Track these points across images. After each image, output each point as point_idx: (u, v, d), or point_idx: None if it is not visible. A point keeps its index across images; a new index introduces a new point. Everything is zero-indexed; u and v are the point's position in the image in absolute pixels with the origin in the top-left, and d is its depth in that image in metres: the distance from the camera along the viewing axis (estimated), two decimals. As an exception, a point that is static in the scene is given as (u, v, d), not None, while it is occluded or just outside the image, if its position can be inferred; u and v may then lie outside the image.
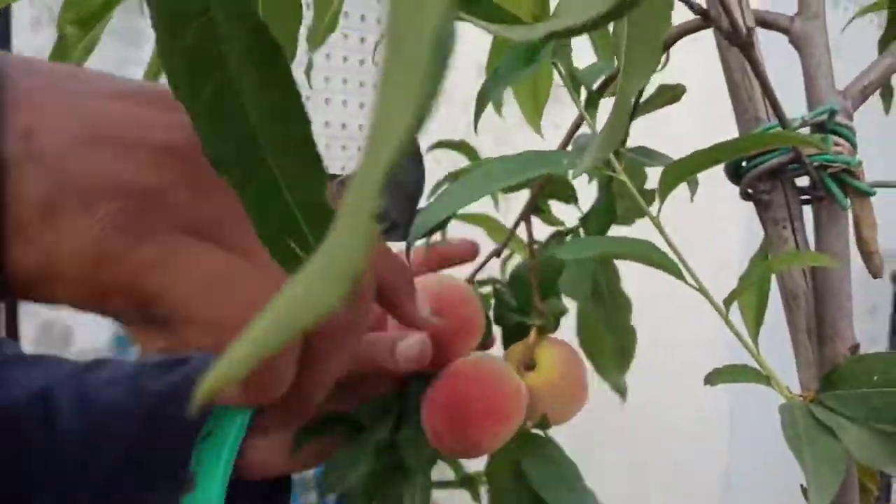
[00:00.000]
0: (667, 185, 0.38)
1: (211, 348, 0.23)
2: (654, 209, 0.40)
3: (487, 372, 0.42)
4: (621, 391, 0.62)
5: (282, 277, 0.21)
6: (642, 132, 0.51)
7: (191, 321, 0.22)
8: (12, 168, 0.20)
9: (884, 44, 0.49)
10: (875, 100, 0.40)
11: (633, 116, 0.49)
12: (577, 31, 0.13)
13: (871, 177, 0.38)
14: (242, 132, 0.18)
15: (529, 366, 0.44)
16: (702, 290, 0.39)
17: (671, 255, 0.39)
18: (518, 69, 0.31)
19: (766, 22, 0.37)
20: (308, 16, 0.42)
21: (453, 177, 0.53)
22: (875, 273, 0.39)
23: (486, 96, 0.32)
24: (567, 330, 0.53)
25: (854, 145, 0.36)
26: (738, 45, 0.32)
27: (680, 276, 0.39)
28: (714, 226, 1.56)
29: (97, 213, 0.21)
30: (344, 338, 0.27)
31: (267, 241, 0.19)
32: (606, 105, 0.49)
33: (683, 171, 0.37)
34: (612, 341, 0.58)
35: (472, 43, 0.48)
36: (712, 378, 0.42)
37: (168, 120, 0.23)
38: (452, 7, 0.10)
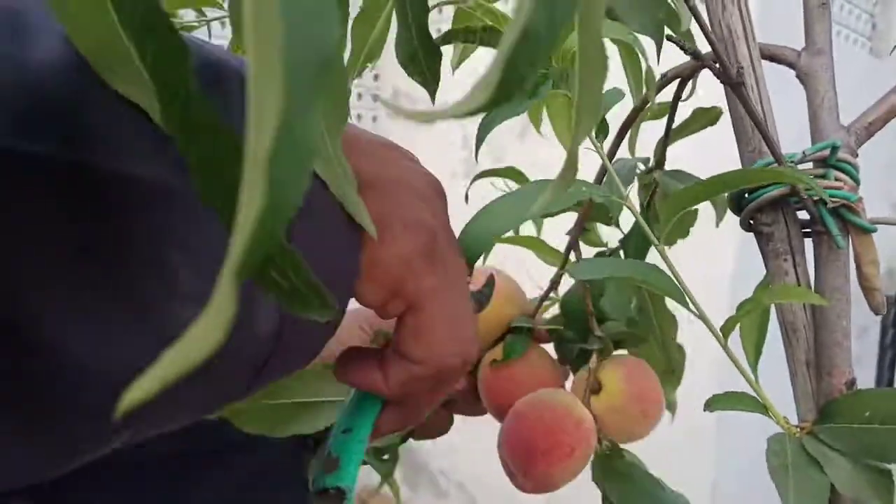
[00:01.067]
0: (670, 212, 0.39)
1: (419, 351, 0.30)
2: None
3: (549, 409, 0.44)
4: (671, 408, 0.63)
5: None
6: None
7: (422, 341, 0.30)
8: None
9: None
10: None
11: (672, 140, 0.50)
12: (472, 114, 0.15)
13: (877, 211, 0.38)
14: (218, 171, 0.20)
15: (595, 389, 0.45)
16: (702, 318, 0.40)
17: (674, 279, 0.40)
18: (514, 105, 0.32)
19: (773, 56, 0.38)
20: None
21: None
22: (876, 310, 0.39)
23: (486, 130, 0.33)
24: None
25: (856, 181, 0.37)
26: (729, 85, 0.33)
27: (683, 301, 0.40)
28: (707, 252, 1.55)
29: (415, 241, 0.28)
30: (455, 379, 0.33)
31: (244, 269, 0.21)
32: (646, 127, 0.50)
33: (686, 200, 0.38)
34: (661, 357, 0.59)
35: (470, 57, 0.50)
36: (711, 404, 0.43)
37: (417, 168, 0.32)
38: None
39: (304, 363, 0.28)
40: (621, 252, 0.53)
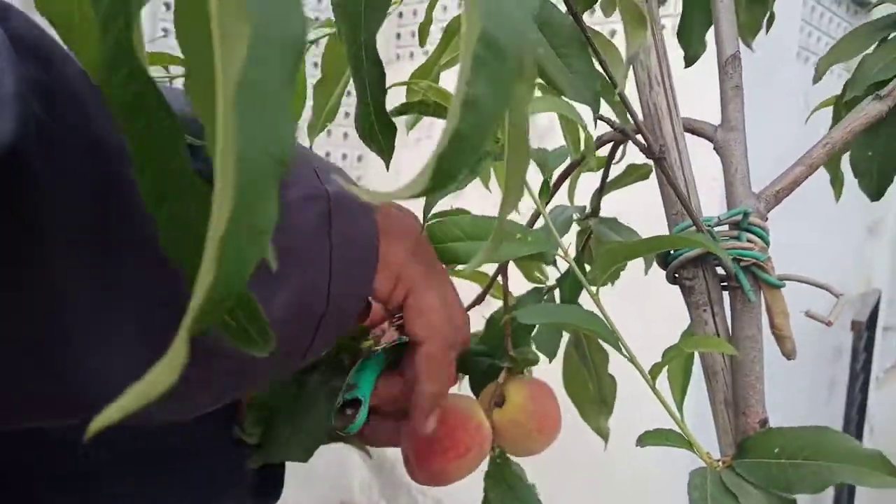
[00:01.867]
0: (604, 267, 0.44)
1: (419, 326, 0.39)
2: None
3: (453, 411, 0.48)
4: (604, 435, 0.68)
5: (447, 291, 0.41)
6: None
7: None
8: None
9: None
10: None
11: (606, 191, 0.55)
12: (416, 197, 0.20)
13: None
14: (193, 240, 0.25)
15: (499, 402, 0.50)
16: (633, 361, 0.44)
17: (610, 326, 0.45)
18: (454, 185, 0.37)
19: (694, 129, 0.43)
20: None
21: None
22: (788, 356, 0.44)
23: (430, 207, 0.38)
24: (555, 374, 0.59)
25: (767, 242, 0.41)
26: (652, 159, 0.38)
27: (617, 346, 0.45)
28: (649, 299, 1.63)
29: (407, 241, 0.38)
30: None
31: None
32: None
33: (618, 256, 0.43)
34: (593, 389, 0.63)
35: (452, 78, 0.54)
36: (643, 440, 0.47)
37: (404, 210, 0.41)
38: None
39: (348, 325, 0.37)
40: (557, 290, 0.58)
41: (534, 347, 0.57)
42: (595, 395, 0.64)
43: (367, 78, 0.37)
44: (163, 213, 0.25)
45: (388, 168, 0.40)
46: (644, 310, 1.35)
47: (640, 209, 0.58)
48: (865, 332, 2.13)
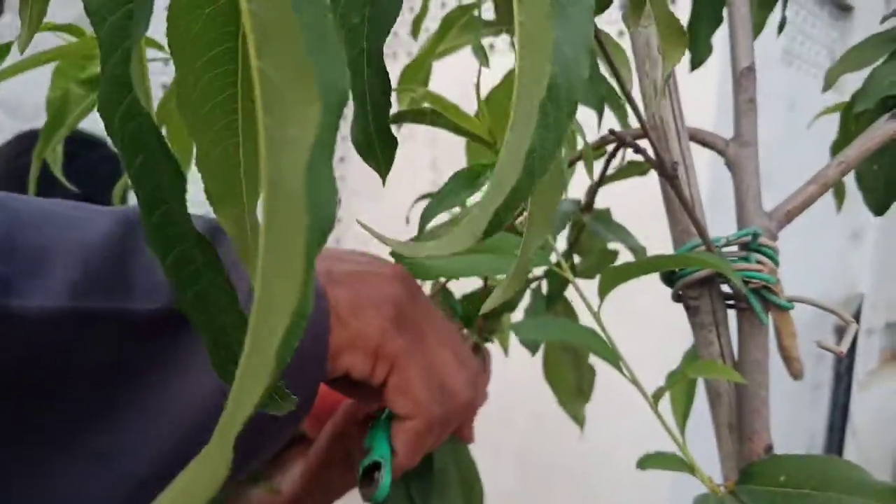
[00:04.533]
0: (605, 287, 0.43)
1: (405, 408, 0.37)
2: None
3: None
4: (580, 422, 0.68)
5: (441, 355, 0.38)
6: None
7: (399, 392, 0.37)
8: (327, 290, 0.34)
9: (836, 148, 0.53)
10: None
11: (603, 184, 0.54)
12: (460, 251, 0.19)
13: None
14: (199, 289, 0.23)
15: None
16: (634, 382, 0.44)
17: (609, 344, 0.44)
18: (460, 192, 0.36)
19: (704, 142, 0.42)
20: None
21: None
22: (795, 376, 0.43)
23: (430, 215, 0.37)
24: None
25: (776, 263, 0.41)
26: (664, 176, 0.37)
27: (617, 366, 0.44)
28: (662, 307, 1.64)
29: (384, 313, 0.35)
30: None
31: (216, 366, 0.25)
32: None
33: (620, 276, 0.42)
34: (573, 378, 0.63)
35: (439, 80, 0.53)
36: (643, 463, 0.46)
37: (382, 262, 0.39)
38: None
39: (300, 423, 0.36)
40: (544, 281, 0.57)
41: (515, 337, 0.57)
42: (574, 385, 0.64)
43: (368, 88, 0.36)
44: (169, 260, 0.24)
45: (384, 183, 0.39)
46: (621, 313, 1.36)
47: (630, 202, 0.57)
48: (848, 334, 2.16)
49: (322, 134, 0.17)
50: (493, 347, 0.57)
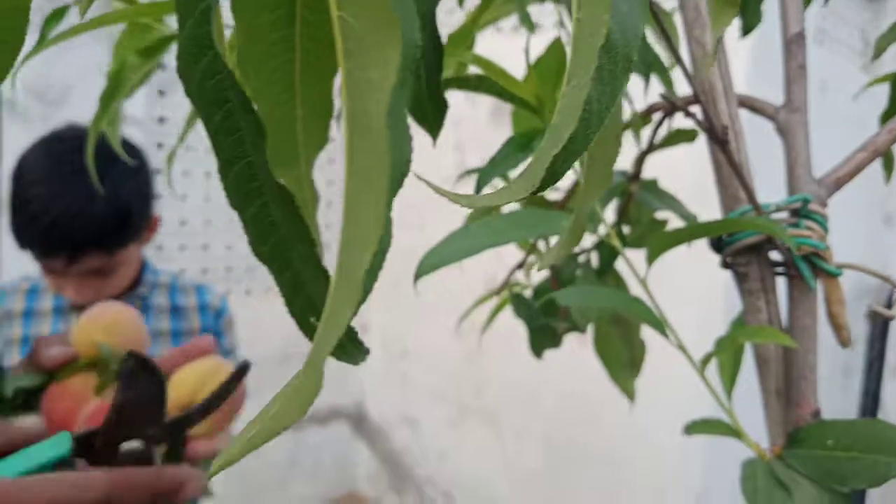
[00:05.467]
0: (655, 252, 0.44)
1: None
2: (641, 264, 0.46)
3: None
4: (630, 395, 0.69)
5: None
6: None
7: None
8: None
9: (885, 118, 0.54)
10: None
11: (650, 152, 0.55)
12: (516, 201, 0.20)
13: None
14: (276, 241, 0.25)
15: None
16: (682, 349, 0.45)
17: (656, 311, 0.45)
18: (513, 157, 0.37)
19: (753, 108, 0.43)
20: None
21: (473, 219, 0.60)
22: (844, 344, 0.44)
23: (486, 180, 0.38)
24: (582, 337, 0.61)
25: (826, 229, 0.41)
26: (715, 141, 0.38)
27: (663, 332, 0.45)
28: (700, 283, 1.65)
29: None
30: None
31: (294, 315, 0.26)
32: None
33: (672, 241, 0.43)
34: (624, 352, 0.64)
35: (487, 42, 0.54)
36: (690, 429, 0.47)
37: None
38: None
39: None
40: (593, 254, 0.58)
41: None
42: (625, 359, 0.64)
43: (423, 52, 0.37)
44: (248, 214, 0.26)
45: (434, 143, 0.40)
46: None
47: (670, 176, 0.58)
48: (880, 321, 2.13)
49: (401, 77, 0.18)
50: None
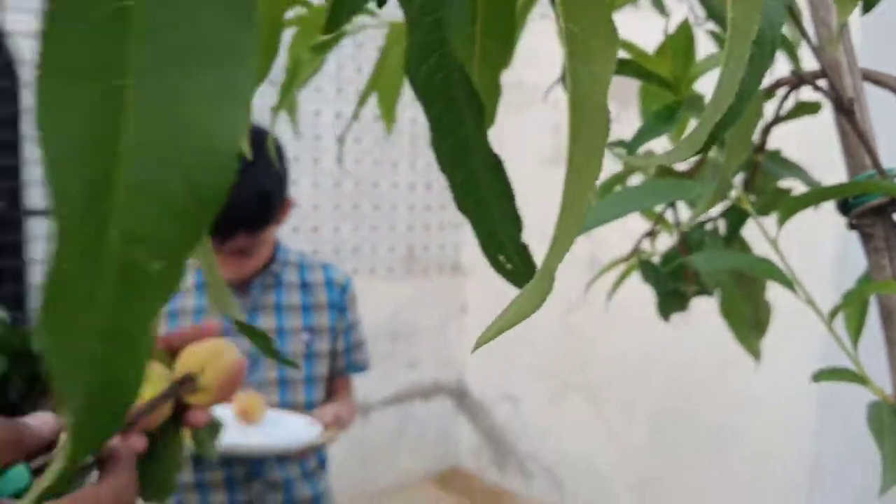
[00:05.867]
0: (785, 214, 0.48)
1: None
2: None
3: None
4: (756, 355, 0.72)
5: None
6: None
7: None
8: None
9: None
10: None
11: (776, 123, 0.59)
12: (680, 161, 0.26)
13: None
14: (478, 197, 0.31)
15: None
16: (810, 303, 0.49)
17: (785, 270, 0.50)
18: (658, 128, 0.42)
19: (877, 81, 0.47)
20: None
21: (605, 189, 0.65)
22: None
23: (636, 145, 0.43)
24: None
25: (949, 191, 0.45)
26: (842, 111, 0.42)
27: (792, 288, 0.50)
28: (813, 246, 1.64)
29: None
30: None
31: (489, 255, 0.33)
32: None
33: (799, 205, 0.47)
34: (750, 314, 0.68)
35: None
36: (818, 376, 0.52)
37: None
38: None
39: None
40: (720, 221, 0.63)
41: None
42: (751, 320, 0.68)
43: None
44: (457, 177, 0.32)
45: (491, 123, 0.45)
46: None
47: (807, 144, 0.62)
48: None
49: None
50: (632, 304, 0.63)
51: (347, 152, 2.72)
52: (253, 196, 1.16)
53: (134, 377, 0.16)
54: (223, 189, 0.13)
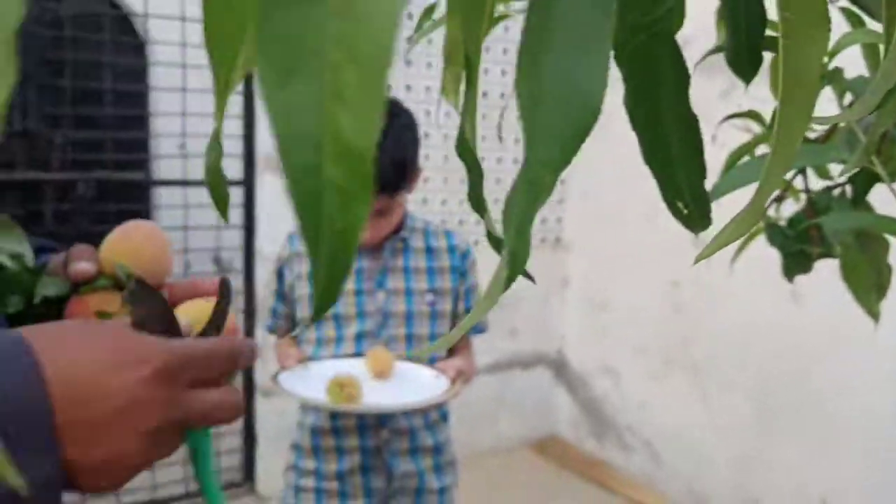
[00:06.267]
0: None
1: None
2: None
3: None
4: (875, 317, 0.76)
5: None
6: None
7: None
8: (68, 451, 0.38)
9: None
10: None
11: None
12: (864, 115, 0.33)
13: None
14: (666, 154, 0.39)
15: None
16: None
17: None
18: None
19: None
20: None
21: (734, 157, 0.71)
22: None
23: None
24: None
25: None
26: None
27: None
28: None
29: (116, 478, 0.41)
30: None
31: (665, 199, 0.40)
32: None
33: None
34: (871, 277, 0.73)
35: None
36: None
37: (130, 388, 0.41)
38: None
39: None
40: (847, 186, 0.67)
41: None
42: (872, 282, 0.72)
43: (746, 13, 0.48)
44: (648, 135, 0.39)
45: (746, 87, 0.52)
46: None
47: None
48: None
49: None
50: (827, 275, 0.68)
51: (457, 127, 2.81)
52: (391, 159, 1.27)
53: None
54: (590, 125, 0.21)
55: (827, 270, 0.74)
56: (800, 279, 0.74)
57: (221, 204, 0.31)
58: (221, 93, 0.30)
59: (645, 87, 0.39)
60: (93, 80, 2.52)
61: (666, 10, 0.36)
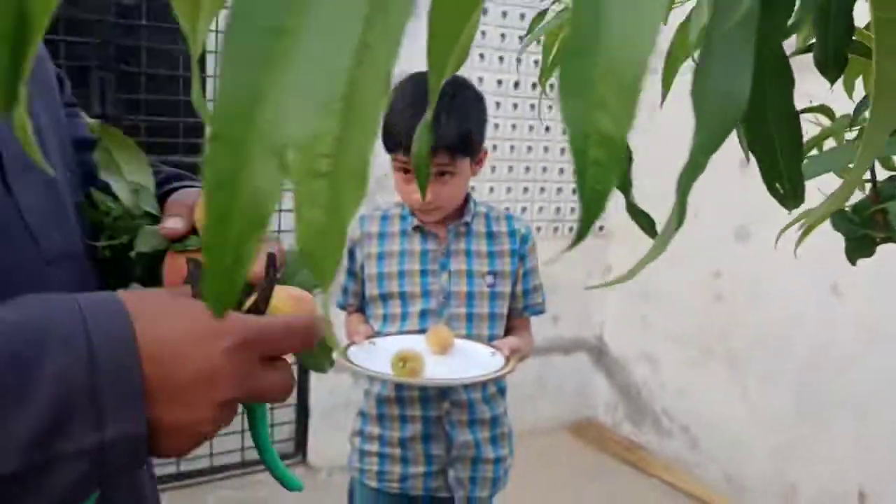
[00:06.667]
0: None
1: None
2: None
3: None
4: None
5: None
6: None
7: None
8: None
9: None
10: None
11: None
12: None
13: None
14: (767, 137, 0.45)
15: None
16: None
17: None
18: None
19: None
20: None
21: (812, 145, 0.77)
22: None
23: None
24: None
25: None
26: None
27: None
28: None
29: (190, 443, 0.43)
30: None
31: (766, 181, 0.47)
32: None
33: None
34: None
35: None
36: None
37: (209, 352, 0.42)
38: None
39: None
40: None
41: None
42: None
43: (834, 18, 0.54)
44: (750, 128, 0.45)
45: (831, 88, 0.58)
46: None
47: None
48: None
49: None
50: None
51: (507, 117, 2.88)
52: (455, 125, 1.36)
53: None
54: (737, 118, 0.27)
55: (866, 267, 0.79)
56: (840, 274, 0.80)
57: (421, 180, 0.38)
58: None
59: (753, 86, 0.46)
60: (165, 67, 2.62)
61: (792, 25, 0.42)
